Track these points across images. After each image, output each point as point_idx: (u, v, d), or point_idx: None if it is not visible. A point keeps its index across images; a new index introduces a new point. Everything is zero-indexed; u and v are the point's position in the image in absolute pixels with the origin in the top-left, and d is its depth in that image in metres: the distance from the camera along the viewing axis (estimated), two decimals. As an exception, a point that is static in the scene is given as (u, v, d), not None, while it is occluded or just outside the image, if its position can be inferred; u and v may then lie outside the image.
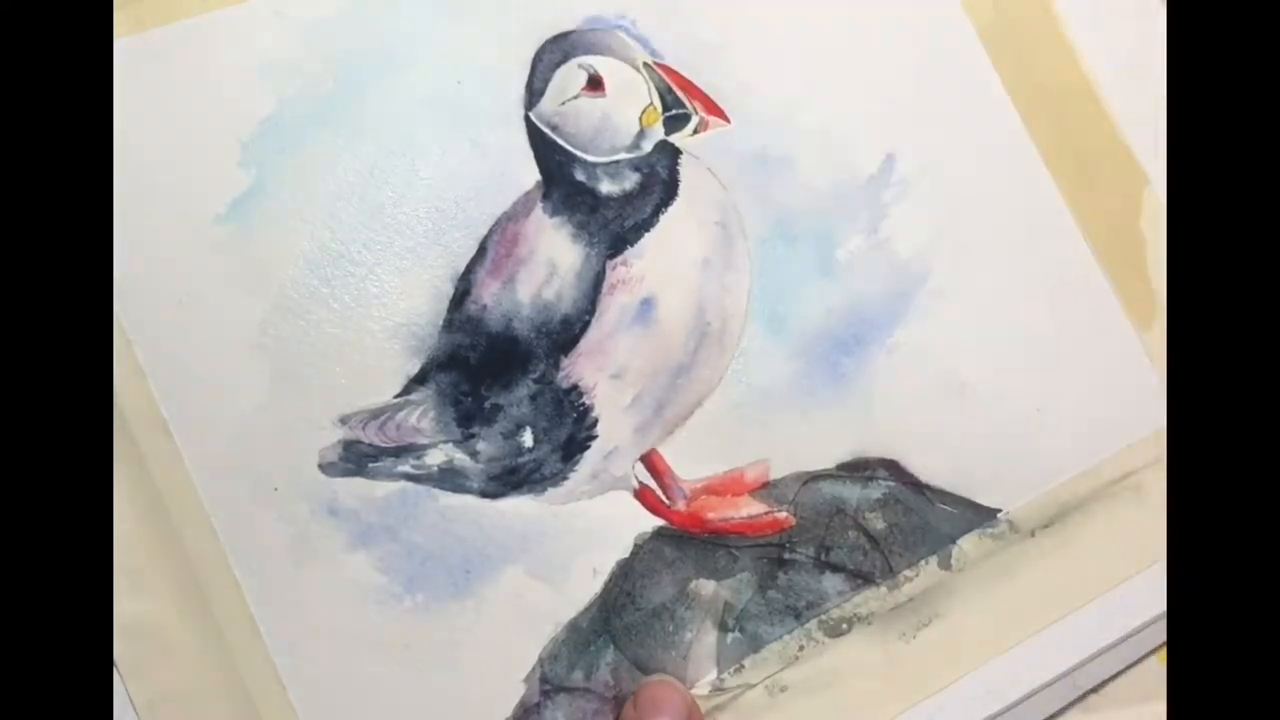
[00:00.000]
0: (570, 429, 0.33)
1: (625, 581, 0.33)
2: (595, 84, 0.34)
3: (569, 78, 0.34)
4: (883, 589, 0.35)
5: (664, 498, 0.34)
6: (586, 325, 0.33)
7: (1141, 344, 0.39)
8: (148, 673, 0.30)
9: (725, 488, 0.35)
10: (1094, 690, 0.36)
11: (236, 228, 0.32)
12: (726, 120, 0.36)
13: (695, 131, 0.35)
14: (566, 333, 0.33)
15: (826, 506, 0.35)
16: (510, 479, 0.33)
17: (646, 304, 0.34)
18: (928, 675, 0.34)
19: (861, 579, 0.35)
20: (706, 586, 0.34)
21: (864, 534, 0.35)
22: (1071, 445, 0.37)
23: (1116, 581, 0.36)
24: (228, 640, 0.30)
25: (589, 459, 0.33)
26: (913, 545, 0.35)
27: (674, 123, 0.35)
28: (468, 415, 0.33)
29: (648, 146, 0.35)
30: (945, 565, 0.36)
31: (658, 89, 0.35)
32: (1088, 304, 0.39)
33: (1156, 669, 0.37)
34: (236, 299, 0.32)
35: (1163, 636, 0.37)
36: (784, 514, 0.35)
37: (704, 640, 0.33)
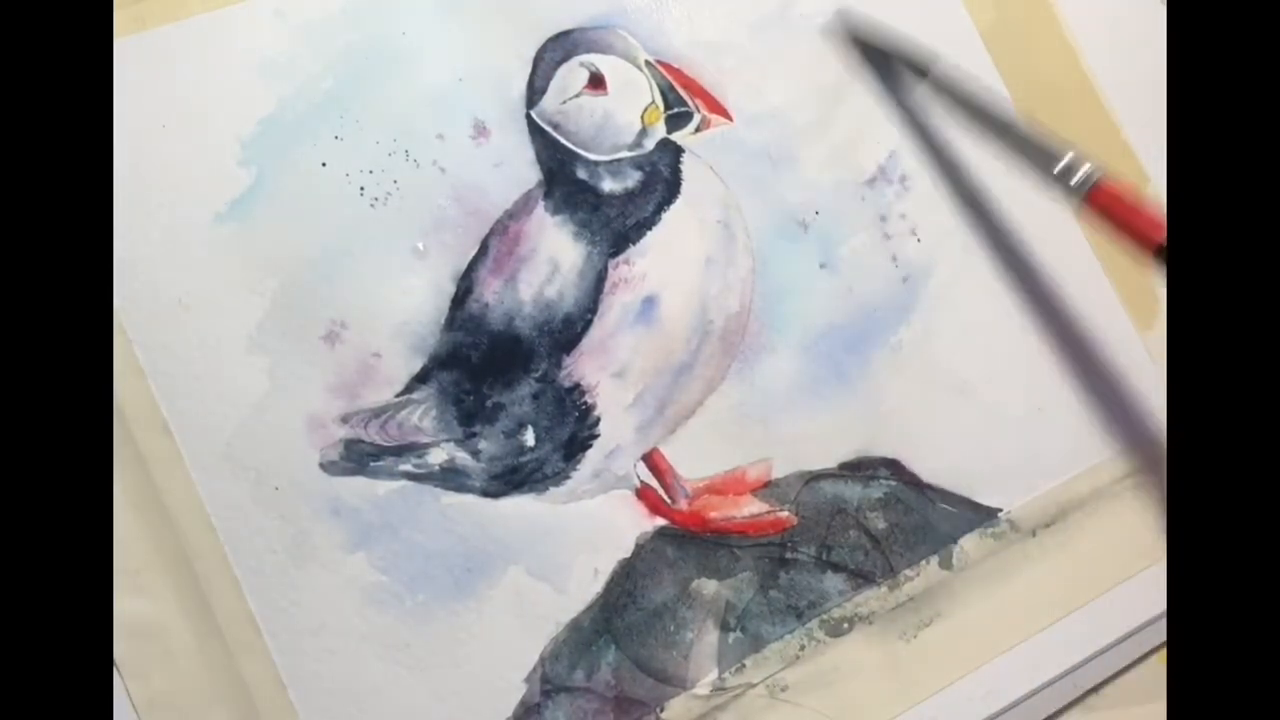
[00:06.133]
0: (572, 428, 0.33)
1: (627, 581, 0.33)
2: (597, 82, 0.34)
3: (571, 76, 0.34)
4: (884, 588, 0.35)
5: (666, 497, 0.34)
6: (588, 324, 0.33)
7: (1142, 344, 0.39)
8: (148, 673, 0.30)
9: (727, 487, 0.35)
10: (1094, 690, 0.36)
11: (236, 227, 0.32)
12: (729, 118, 0.36)
13: (697, 129, 0.35)
14: (568, 331, 0.33)
15: (828, 506, 0.35)
16: (512, 478, 0.33)
17: (649, 302, 0.34)
18: (929, 675, 0.34)
19: (862, 578, 0.35)
20: (708, 586, 0.34)
21: (865, 533, 0.35)
22: (1072, 445, 0.37)
23: (1117, 581, 0.36)
24: (228, 640, 0.30)
25: (591, 458, 0.33)
26: (914, 545, 0.35)
27: (676, 121, 0.35)
28: (469, 414, 0.33)
29: (650, 145, 0.35)
30: (946, 565, 0.36)
31: (659, 87, 0.35)
32: (1089, 303, 0.39)
33: (1156, 669, 0.37)
34: (236, 299, 0.32)
35: (1163, 636, 0.37)
36: (785, 513, 0.35)
37: (705, 640, 0.33)
